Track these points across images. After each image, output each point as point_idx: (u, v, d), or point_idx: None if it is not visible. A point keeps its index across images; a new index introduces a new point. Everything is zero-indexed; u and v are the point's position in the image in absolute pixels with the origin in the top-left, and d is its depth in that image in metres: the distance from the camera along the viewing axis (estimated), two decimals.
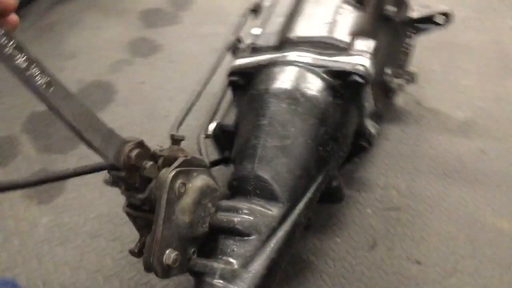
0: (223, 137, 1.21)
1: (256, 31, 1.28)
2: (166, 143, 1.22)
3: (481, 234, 1.23)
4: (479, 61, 1.77)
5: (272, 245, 0.91)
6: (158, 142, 1.17)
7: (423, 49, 1.76)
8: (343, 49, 1.09)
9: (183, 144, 1.31)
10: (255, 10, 1.49)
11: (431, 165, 1.41)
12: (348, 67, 1.05)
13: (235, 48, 1.36)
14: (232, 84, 1.20)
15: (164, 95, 1.71)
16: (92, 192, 1.40)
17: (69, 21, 2.11)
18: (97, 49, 1.94)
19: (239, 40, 1.38)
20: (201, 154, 1.16)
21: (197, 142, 1.19)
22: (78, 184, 1.42)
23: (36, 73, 0.64)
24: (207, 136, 1.24)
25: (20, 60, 0.62)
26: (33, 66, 0.64)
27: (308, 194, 0.99)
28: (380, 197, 1.34)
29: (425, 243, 1.23)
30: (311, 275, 1.18)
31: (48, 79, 0.66)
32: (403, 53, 1.45)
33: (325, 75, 1.07)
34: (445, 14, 1.44)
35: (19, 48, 0.62)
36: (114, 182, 0.88)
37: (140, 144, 0.84)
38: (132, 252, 0.92)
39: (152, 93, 1.72)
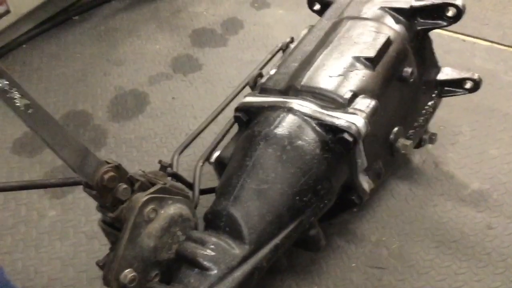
0: (220, 168, 1.26)
1: (273, 71, 1.32)
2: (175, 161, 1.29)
3: None
4: None
5: (227, 284, 0.95)
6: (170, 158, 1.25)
7: (457, 108, 1.73)
8: (342, 105, 1.11)
9: (185, 164, 1.38)
10: (284, 49, 1.54)
11: (430, 230, 1.38)
12: (339, 124, 1.07)
13: (254, 83, 1.41)
14: (236, 119, 1.25)
15: (191, 114, 1.78)
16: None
17: (126, 29, 2.24)
18: (143, 60, 2.05)
19: (260, 76, 1.42)
20: (193, 181, 1.22)
21: (194, 169, 1.25)
22: None
23: (16, 96, 0.73)
24: (209, 163, 1.30)
25: (2, 83, 0.71)
26: (13, 90, 0.72)
27: (276, 240, 1.02)
28: (369, 252, 1.34)
29: None
30: None
31: (28, 102, 0.74)
32: (422, 114, 1.43)
33: (318, 128, 1.10)
34: (474, 81, 1.41)
35: (1, 73, 0.71)
36: (91, 197, 0.95)
37: (116, 168, 0.91)
38: (98, 264, 0.99)
39: (181, 109, 1.81)
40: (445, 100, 1.50)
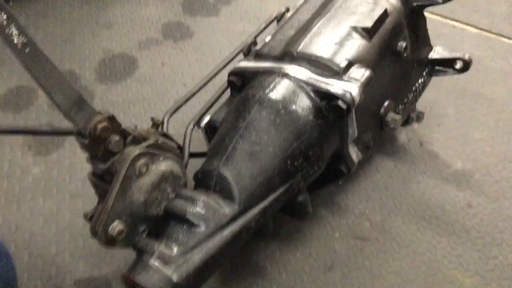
0: (210, 131, 1.25)
1: (268, 38, 1.31)
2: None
3: (439, 284, 1.23)
4: (498, 116, 1.71)
5: (215, 241, 0.95)
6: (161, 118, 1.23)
7: (444, 91, 1.75)
8: (337, 73, 1.12)
9: (173, 130, 1.37)
10: (279, 19, 1.53)
11: (412, 205, 1.41)
12: (334, 91, 1.07)
13: (248, 50, 1.40)
14: (230, 84, 1.25)
15: (180, 81, 1.77)
16: (85, 154, 1.48)
17: None
18: (133, 24, 2.02)
19: (254, 43, 1.42)
20: (184, 143, 1.21)
21: (185, 131, 1.24)
22: (75, 144, 1.49)
23: (14, 33, 0.70)
24: (199, 127, 1.29)
25: (1, 18, 0.69)
26: (12, 25, 0.70)
27: (265, 202, 1.02)
28: (352, 224, 1.36)
29: (380, 279, 1.23)
30: (261, 282, 1.22)
31: (25, 40, 0.72)
32: (412, 91, 1.44)
33: (312, 94, 1.10)
34: (464, 61, 1.42)
35: (0, 6, 0.68)
36: (82, 147, 0.94)
37: (110, 119, 0.90)
38: (85, 216, 0.98)
39: (170, 76, 1.79)
40: (432, 83, 1.52)
